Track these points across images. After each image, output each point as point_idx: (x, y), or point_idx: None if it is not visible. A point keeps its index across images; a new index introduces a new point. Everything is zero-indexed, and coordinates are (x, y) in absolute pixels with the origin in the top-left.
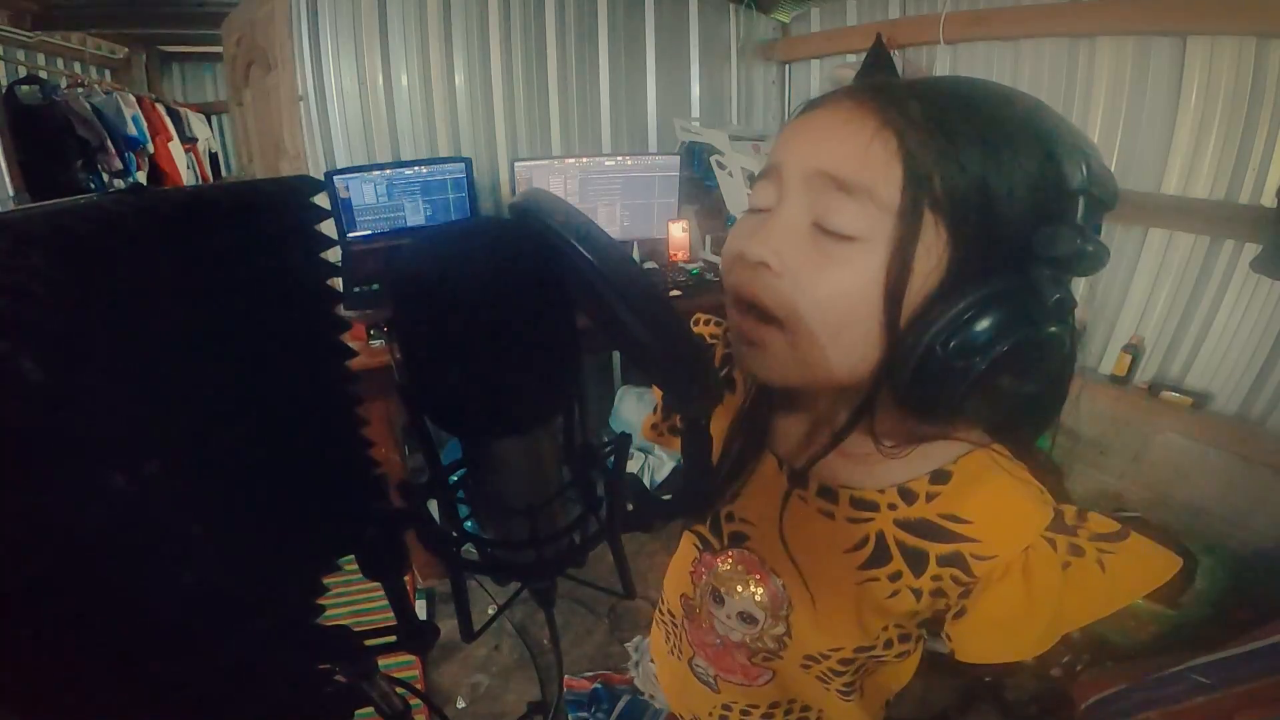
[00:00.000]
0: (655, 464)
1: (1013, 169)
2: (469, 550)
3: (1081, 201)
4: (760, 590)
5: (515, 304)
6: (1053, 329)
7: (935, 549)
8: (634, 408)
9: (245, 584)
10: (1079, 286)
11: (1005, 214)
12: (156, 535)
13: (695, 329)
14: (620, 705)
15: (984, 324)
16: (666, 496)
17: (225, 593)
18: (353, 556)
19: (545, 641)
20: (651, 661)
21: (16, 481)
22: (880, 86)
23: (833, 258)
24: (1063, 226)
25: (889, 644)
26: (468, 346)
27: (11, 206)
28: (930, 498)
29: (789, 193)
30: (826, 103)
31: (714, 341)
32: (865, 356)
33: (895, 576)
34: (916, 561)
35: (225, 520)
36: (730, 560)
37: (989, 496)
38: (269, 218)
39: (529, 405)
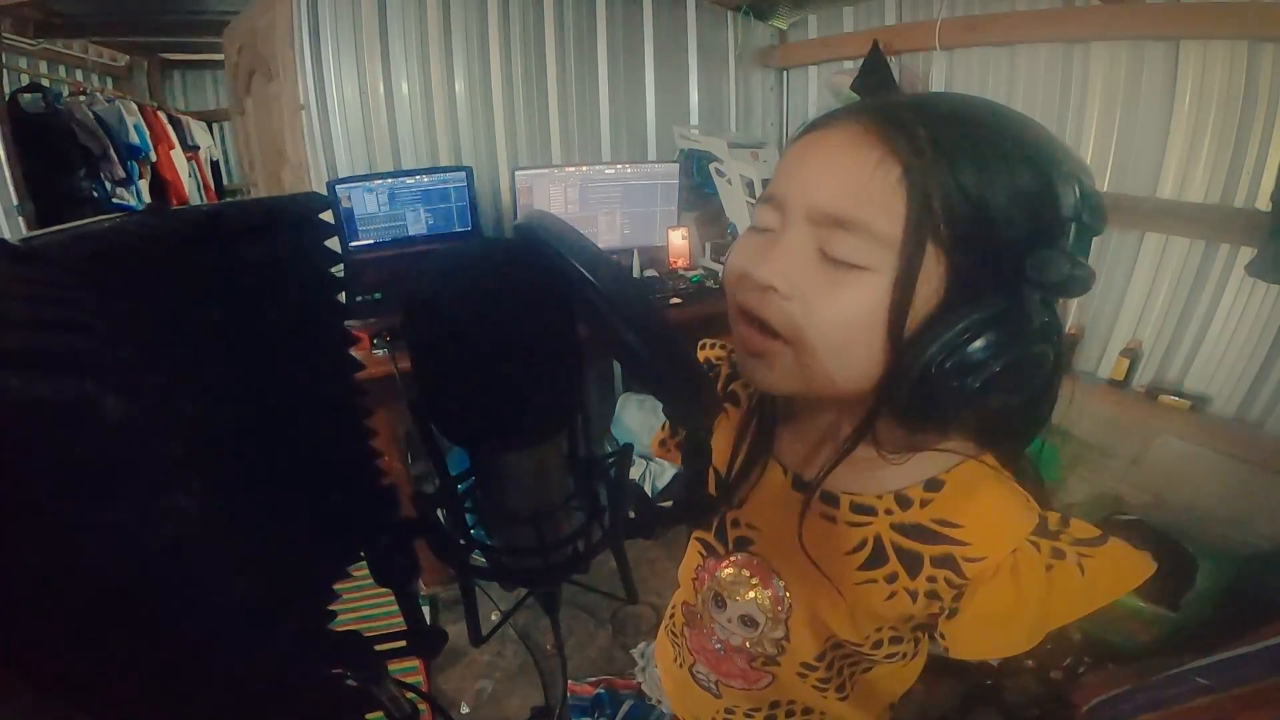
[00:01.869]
0: (656, 471)
1: (1014, 195)
2: (476, 557)
3: (1073, 228)
4: (763, 594)
5: (522, 322)
6: (1040, 348)
7: (929, 551)
8: (635, 415)
9: (263, 591)
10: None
11: (1002, 239)
12: (209, 549)
13: (701, 353)
14: (623, 710)
15: (978, 345)
16: (667, 503)
17: (246, 600)
18: (364, 564)
19: (548, 647)
20: (657, 668)
21: (98, 507)
22: (885, 109)
23: (839, 283)
24: (1054, 253)
25: (878, 644)
26: (477, 363)
27: (16, 216)
28: (924, 504)
29: (792, 223)
30: (830, 125)
31: (719, 363)
32: (867, 373)
33: (892, 578)
34: (911, 563)
35: (245, 530)
36: (734, 565)
37: (979, 503)
38: (281, 235)
39: (536, 419)
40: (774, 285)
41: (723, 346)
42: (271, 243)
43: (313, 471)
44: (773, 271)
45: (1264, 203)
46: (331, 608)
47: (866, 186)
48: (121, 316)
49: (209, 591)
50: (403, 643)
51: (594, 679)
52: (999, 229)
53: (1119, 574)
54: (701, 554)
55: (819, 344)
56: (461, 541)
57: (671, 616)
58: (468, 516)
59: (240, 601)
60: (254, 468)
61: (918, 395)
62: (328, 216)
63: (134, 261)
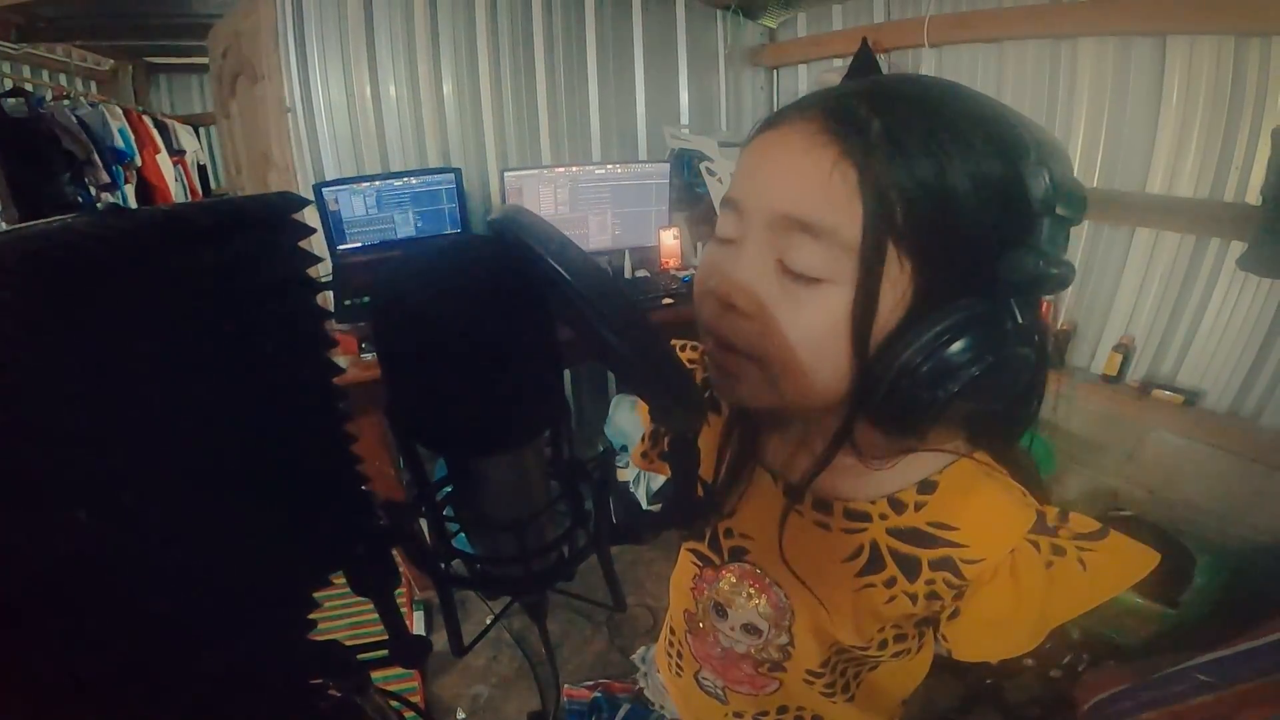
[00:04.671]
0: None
1: (978, 191)
2: (457, 566)
3: (1045, 223)
4: (763, 601)
5: (496, 322)
6: (1020, 351)
7: (926, 554)
8: (628, 417)
9: (233, 601)
10: (1068, 288)
11: (969, 238)
12: (127, 565)
13: (679, 355)
14: (621, 713)
15: (949, 353)
16: (656, 506)
17: (213, 611)
18: (343, 573)
19: (544, 651)
20: (659, 672)
21: None
22: (838, 102)
23: (800, 300)
24: (1025, 251)
25: (883, 644)
26: (449, 365)
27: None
28: (919, 507)
29: (751, 231)
30: (784, 125)
31: (694, 366)
32: (839, 385)
33: (890, 582)
34: (909, 567)
35: (213, 539)
36: (732, 574)
37: (974, 504)
38: (251, 236)
39: (512, 423)
40: (734, 304)
41: (694, 348)
42: (239, 244)
43: (286, 479)
44: (732, 289)
45: (1254, 197)
46: (312, 616)
47: (825, 190)
48: (47, 319)
49: (129, 607)
50: (385, 652)
51: (591, 683)
52: (964, 227)
53: (1122, 567)
54: (697, 565)
55: (785, 361)
56: (441, 550)
57: (669, 626)
58: (448, 524)
59: (189, 612)
60: (222, 474)
61: (890, 406)
62: (305, 216)
63: (76, 262)
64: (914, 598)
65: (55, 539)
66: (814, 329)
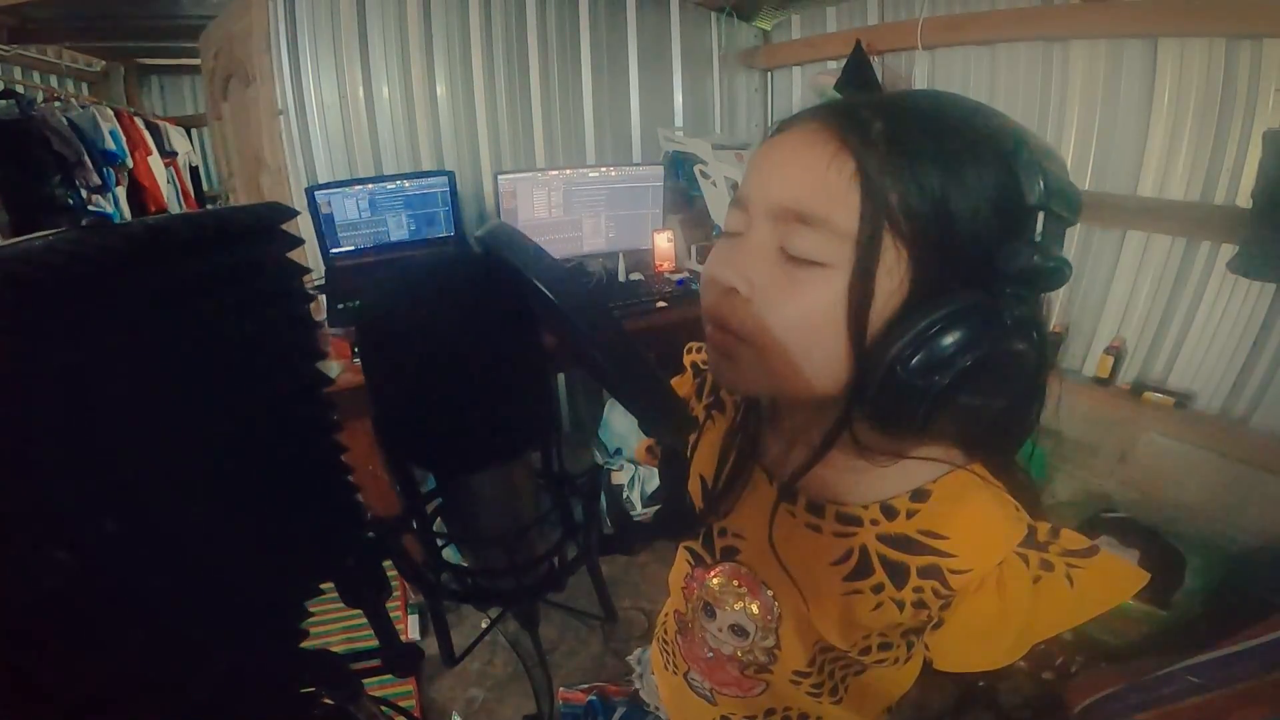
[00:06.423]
0: (646, 475)
1: (973, 186)
2: (447, 579)
3: (1040, 217)
4: (752, 603)
5: (482, 340)
6: (1016, 346)
7: (915, 562)
8: (623, 420)
9: (223, 612)
10: (1060, 291)
11: (965, 232)
12: (117, 580)
13: (688, 356)
14: (616, 716)
15: (944, 342)
16: (653, 509)
17: (203, 622)
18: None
19: (538, 658)
20: (653, 674)
21: None
22: (845, 106)
23: (799, 282)
24: (1021, 243)
25: (866, 651)
26: (435, 384)
27: None
28: (910, 514)
29: (755, 222)
30: (793, 125)
31: (705, 369)
32: (835, 374)
33: (878, 589)
34: (898, 574)
35: (201, 551)
36: (722, 574)
37: (966, 514)
38: (237, 249)
39: (499, 439)
40: (735, 287)
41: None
42: (225, 257)
43: (275, 491)
44: (734, 273)
45: (1244, 200)
46: (309, 624)
47: (822, 180)
48: (24, 343)
49: (123, 618)
50: (377, 661)
51: (586, 686)
52: (961, 221)
53: (1109, 586)
54: (690, 563)
55: (781, 345)
56: (430, 563)
57: (663, 624)
58: (437, 538)
59: (173, 624)
60: (209, 488)
61: (885, 395)
62: (293, 226)
63: (55, 282)
64: (901, 605)
65: (39, 574)
66: (811, 311)
